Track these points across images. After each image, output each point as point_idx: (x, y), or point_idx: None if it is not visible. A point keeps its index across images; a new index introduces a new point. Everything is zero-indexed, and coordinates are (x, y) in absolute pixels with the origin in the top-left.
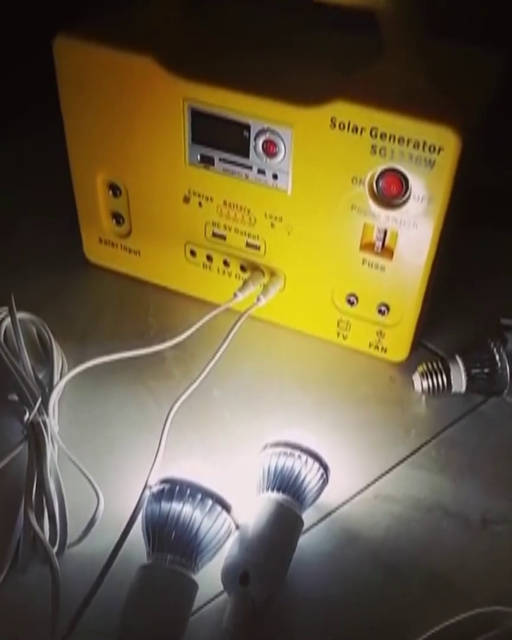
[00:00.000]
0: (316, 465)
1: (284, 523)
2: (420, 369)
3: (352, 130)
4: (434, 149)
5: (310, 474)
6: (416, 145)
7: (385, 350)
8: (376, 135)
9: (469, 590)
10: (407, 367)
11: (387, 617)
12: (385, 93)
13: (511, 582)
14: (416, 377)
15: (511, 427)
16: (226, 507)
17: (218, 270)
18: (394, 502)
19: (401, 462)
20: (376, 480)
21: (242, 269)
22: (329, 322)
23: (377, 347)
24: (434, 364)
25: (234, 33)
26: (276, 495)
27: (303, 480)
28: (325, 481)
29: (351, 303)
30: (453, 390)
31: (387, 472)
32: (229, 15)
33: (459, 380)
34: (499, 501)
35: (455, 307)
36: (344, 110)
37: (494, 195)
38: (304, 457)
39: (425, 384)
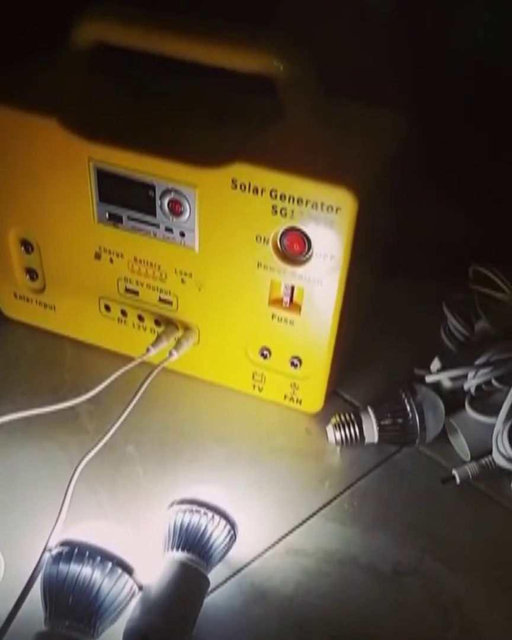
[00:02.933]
0: (223, 522)
1: (188, 583)
2: (333, 420)
3: (253, 191)
4: (332, 209)
5: (216, 531)
6: (314, 206)
7: (300, 402)
8: (276, 196)
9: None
10: (323, 418)
11: None
12: (283, 155)
13: (422, 635)
14: (329, 429)
15: (423, 477)
16: (128, 569)
17: (133, 325)
18: (305, 556)
19: (313, 514)
20: (287, 534)
21: (157, 323)
22: (244, 375)
23: (292, 399)
24: (347, 416)
25: (140, 95)
26: (180, 555)
27: (209, 537)
28: (233, 538)
29: (264, 356)
30: (366, 441)
31: (299, 525)
32: (135, 77)
33: (371, 431)
34: (410, 552)
35: (370, 357)
36: (243, 172)
37: (407, 246)
38: (210, 514)
39: (338, 435)
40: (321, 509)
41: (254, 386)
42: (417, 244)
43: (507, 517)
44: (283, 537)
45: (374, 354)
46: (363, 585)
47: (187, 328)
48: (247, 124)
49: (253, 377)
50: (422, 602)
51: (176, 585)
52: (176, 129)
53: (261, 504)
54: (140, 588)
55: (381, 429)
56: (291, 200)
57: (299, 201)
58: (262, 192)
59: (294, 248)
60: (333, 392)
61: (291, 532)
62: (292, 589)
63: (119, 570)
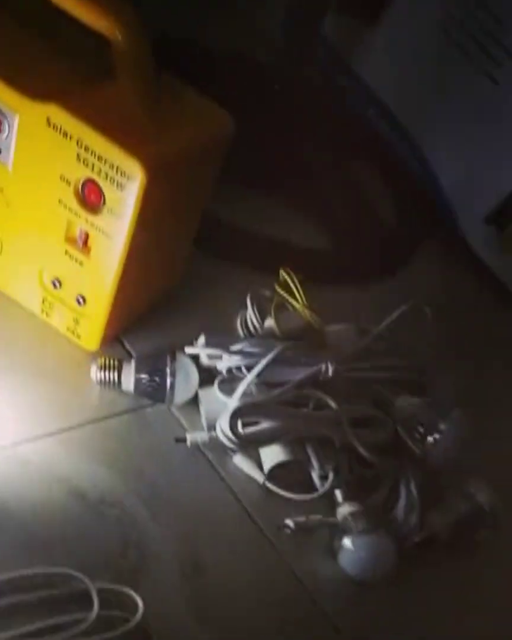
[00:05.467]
0: None
1: None
2: (99, 361)
3: (63, 135)
4: (125, 175)
5: None
6: (112, 167)
7: (79, 337)
8: (81, 146)
9: (56, 552)
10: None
11: None
12: (98, 112)
13: (99, 558)
14: (93, 368)
15: (163, 433)
16: None
17: None
18: (28, 465)
19: (53, 434)
20: (21, 442)
21: None
22: (36, 297)
23: (73, 332)
24: (111, 361)
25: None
26: None
27: None
28: None
29: (55, 286)
30: (123, 388)
31: (35, 438)
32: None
33: (128, 380)
34: (122, 490)
35: (166, 319)
36: (58, 115)
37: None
38: None
39: (98, 375)
40: (63, 431)
41: (42, 311)
42: (255, 237)
43: (219, 485)
44: (17, 444)
45: (171, 318)
46: (65, 504)
47: None
48: (89, 74)
49: (43, 302)
50: (112, 532)
51: None
52: (25, 58)
53: (7, 407)
54: None
55: (137, 381)
56: (93, 154)
57: (100, 158)
58: (70, 137)
59: (91, 198)
60: (116, 339)
61: (26, 441)
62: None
63: None
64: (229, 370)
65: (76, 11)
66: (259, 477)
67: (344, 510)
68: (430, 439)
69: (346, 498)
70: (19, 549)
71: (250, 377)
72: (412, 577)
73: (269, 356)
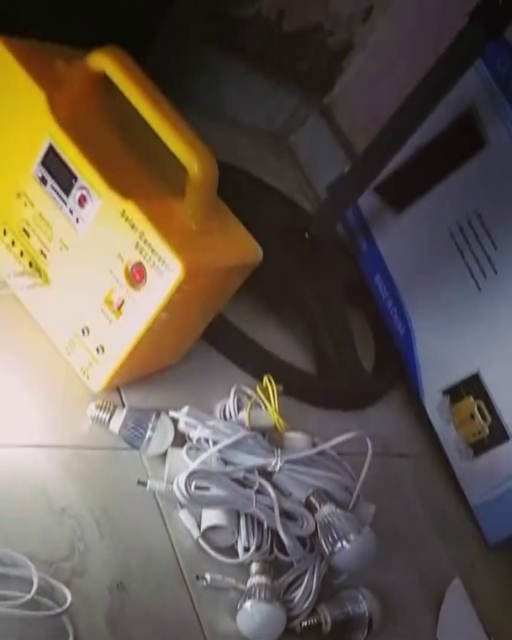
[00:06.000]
0: None
1: None
2: (97, 401)
3: (131, 225)
4: (168, 268)
5: None
6: (160, 259)
7: (88, 378)
8: (142, 238)
9: (12, 539)
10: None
11: None
12: (162, 218)
13: (46, 552)
14: (92, 405)
15: (130, 473)
16: None
17: (13, 255)
18: (13, 466)
19: (37, 446)
20: (13, 446)
21: (30, 264)
22: (65, 336)
23: (84, 373)
24: (107, 404)
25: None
26: None
27: None
28: None
29: (83, 333)
30: (110, 428)
31: (21, 446)
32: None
33: (116, 423)
34: (83, 508)
35: (165, 386)
36: (132, 210)
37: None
38: None
39: (93, 412)
40: (50, 447)
41: (66, 349)
42: (254, 345)
43: (161, 529)
44: (9, 446)
45: (165, 386)
46: (34, 504)
47: (47, 279)
48: (169, 184)
49: (69, 342)
50: (64, 538)
51: None
52: (121, 160)
53: (12, 417)
54: None
55: (123, 426)
56: (149, 246)
57: (153, 251)
58: (136, 229)
59: (136, 276)
60: (116, 388)
61: (19, 446)
62: None
63: None
64: (199, 440)
65: (169, 141)
66: (195, 533)
67: (254, 580)
68: (339, 544)
69: (259, 572)
70: None
71: (213, 450)
72: None
73: (234, 437)
